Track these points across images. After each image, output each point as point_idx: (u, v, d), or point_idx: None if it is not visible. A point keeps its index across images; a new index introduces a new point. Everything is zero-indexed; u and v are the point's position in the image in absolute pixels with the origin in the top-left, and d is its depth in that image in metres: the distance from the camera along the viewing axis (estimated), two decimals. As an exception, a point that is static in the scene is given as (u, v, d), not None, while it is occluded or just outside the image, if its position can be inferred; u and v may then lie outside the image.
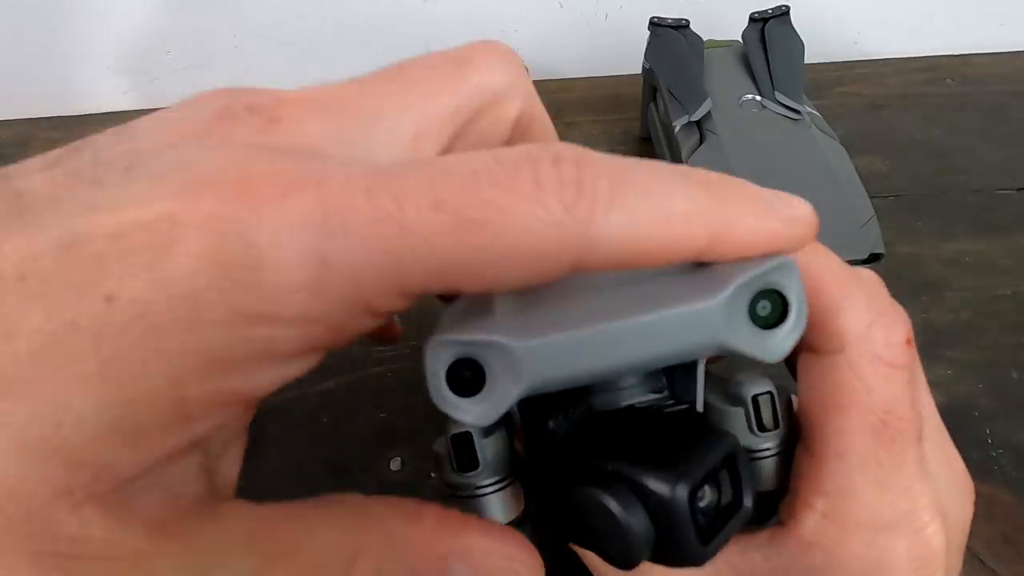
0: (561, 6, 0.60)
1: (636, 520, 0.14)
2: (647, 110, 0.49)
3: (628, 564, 0.14)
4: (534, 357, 0.13)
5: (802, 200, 0.15)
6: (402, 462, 0.34)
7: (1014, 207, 0.45)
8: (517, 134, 0.18)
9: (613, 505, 0.14)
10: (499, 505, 0.19)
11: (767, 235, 0.14)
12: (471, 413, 0.14)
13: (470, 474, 0.19)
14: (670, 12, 0.48)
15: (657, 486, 0.14)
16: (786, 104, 0.41)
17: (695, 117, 0.41)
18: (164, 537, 0.12)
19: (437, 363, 0.14)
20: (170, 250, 0.11)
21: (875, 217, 0.36)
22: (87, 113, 0.61)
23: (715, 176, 0.14)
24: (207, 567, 0.12)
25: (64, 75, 0.63)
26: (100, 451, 0.11)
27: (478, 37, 0.60)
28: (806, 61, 0.44)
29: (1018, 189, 0.46)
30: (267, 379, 0.13)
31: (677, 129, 0.41)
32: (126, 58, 0.62)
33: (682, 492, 0.14)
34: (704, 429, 0.17)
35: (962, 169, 0.48)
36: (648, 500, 0.14)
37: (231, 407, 0.12)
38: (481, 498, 0.19)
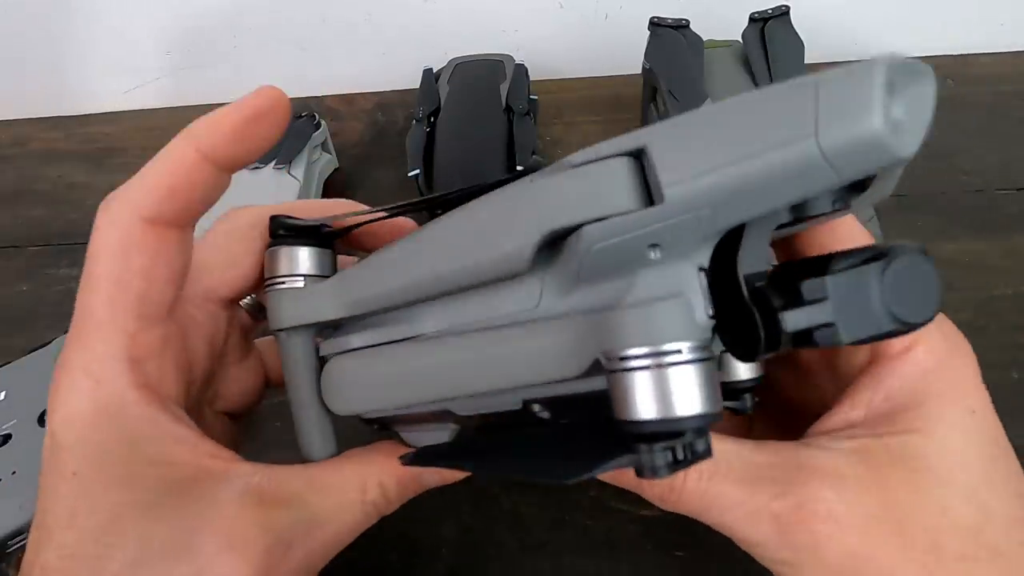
0: (561, 6, 0.60)
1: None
2: (647, 110, 0.49)
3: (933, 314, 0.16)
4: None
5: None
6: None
7: (1014, 207, 0.45)
8: None
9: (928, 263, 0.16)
10: (711, 378, 0.16)
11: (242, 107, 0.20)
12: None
13: (708, 324, 0.16)
14: (670, 12, 0.48)
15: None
16: (786, 104, 0.41)
17: (695, 117, 0.41)
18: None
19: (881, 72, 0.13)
20: None
21: (876, 217, 0.36)
22: (87, 113, 0.61)
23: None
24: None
25: (64, 75, 0.63)
26: None
27: (478, 37, 0.60)
28: (806, 61, 0.44)
29: (1018, 189, 0.46)
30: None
31: (677, 129, 0.41)
32: (126, 58, 0.62)
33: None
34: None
35: (962, 169, 0.48)
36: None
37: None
38: (712, 361, 0.16)
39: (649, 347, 0.15)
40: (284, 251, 0.22)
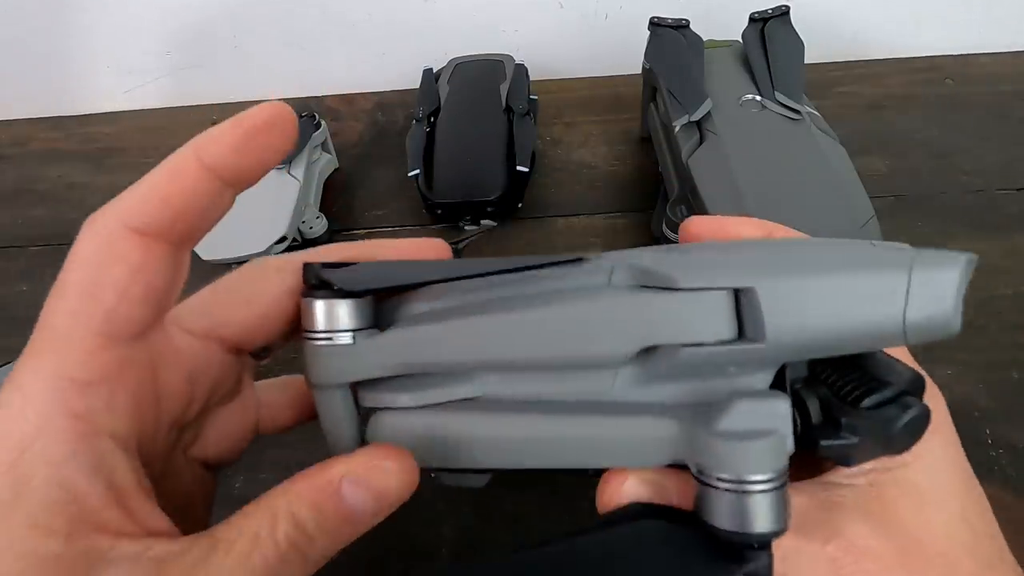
0: (561, 6, 0.60)
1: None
2: (647, 110, 0.49)
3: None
4: None
5: None
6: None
7: (1014, 207, 0.45)
8: None
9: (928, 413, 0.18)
10: (785, 498, 0.18)
11: None
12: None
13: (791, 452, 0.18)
14: (670, 12, 0.48)
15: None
16: (786, 104, 0.41)
17: (695, 117, 0.41)
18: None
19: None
20: None
21: (875, 217, 0.36)
22: (87, 113, 0.61)
23: None
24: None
25: (64, 75, 0.63)
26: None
27: (478, 37, 0.61)
28: (806, 61, 0.44)
29: (1018, 189, 0.46)
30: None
31: (677, 129, 0.41)
32: (126, 58, 0.62)
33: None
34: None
35: (962, 169, 0.48)
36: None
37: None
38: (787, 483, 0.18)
39: (741, 476, 0.17)
40: (325, 304, 0.20)
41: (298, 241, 0.45)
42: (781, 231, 0.24)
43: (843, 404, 0.19)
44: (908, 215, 0.45)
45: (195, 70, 0.63)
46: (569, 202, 0.48)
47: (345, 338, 0.20)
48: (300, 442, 0.35)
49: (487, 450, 0.21)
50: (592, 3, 0.60)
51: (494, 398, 0.21)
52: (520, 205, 0.47)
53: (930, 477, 0.21)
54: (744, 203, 0.35)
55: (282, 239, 0.42)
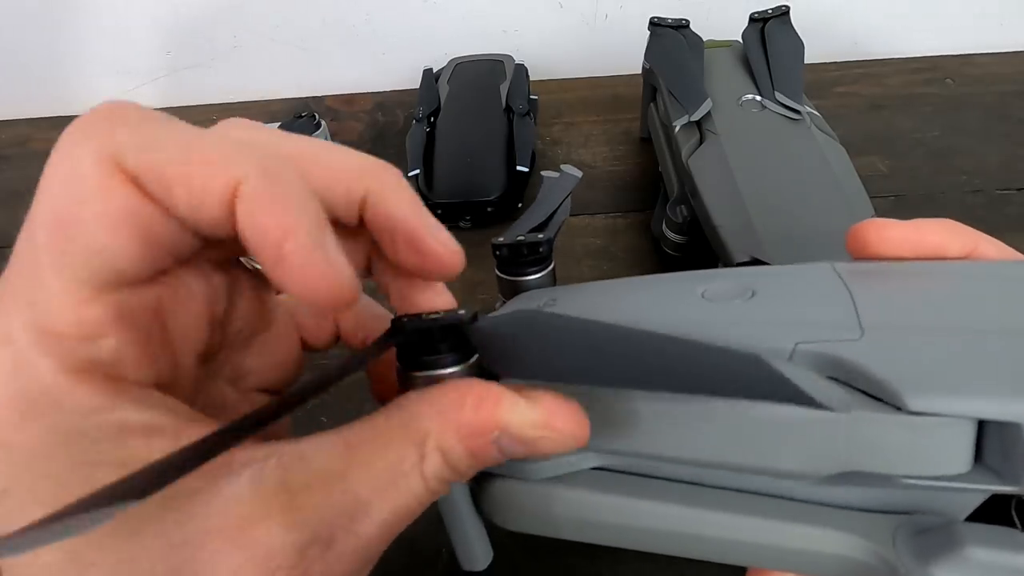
0: (561, 6, 0.60)
1: None
2: (647, 110, 0.49)
3: None
4: None
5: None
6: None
7: (1014, 207, 0.45)
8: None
9: None
10: None
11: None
12: None
13: None
14: (670, 12, 0.48)
15: None
16: (786, 104, 0.41)
17: (695, 117, 0.41)
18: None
19: None
20: None
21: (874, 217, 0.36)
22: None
23: None
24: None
25: (64, 75, 0.63)
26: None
27: (478, 38, 0.61)
28: (806, 61, 0.44)
29: (1018, 189, 0.46)
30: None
31: (677, 129, 0.41)
32: (126, 58, 0.62)
33: None
34: None
35: (962, 169, 0.48)
36: None
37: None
38: None
39: None
40: (427, 380, 0.17)
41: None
42: (974, 236, 0.19)
43: None
44: (908, 215, 0.45)
45: (195, 70, 0.63)
46: (569, 202, 0.48)
47: None
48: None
49: (618, 536, 0.19)
50: (592, 3, 0.60)
51: (627, 469, 0.18)
52: (520, 205, 0.47)
53: None
54: (744, 203, 0.35)
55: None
